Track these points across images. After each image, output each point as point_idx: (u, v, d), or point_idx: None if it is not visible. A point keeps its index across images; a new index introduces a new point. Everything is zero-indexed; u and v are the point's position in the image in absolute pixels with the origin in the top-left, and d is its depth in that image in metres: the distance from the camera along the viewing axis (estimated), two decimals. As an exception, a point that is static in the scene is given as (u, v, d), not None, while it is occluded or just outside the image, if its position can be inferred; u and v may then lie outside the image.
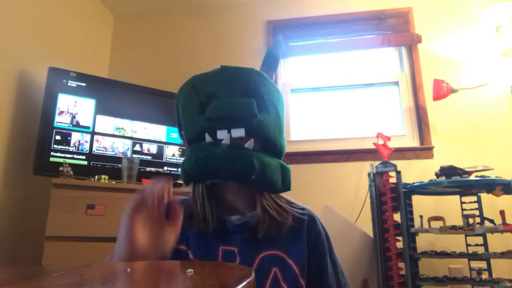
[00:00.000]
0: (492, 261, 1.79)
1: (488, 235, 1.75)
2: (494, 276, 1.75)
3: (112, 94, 1.99)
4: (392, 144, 1.93)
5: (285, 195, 0.73)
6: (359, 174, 2.18)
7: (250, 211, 0.69)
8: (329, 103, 2.48)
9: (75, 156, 1.81)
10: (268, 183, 0.64)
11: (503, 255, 1.54)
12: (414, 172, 2.08)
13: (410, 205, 1.78)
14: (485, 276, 1.77)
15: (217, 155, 0.61)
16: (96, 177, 1.74)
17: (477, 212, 1.75)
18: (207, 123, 0.64)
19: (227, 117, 0.62)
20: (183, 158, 0.70)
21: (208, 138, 0.64)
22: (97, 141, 1.89)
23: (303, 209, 0.73)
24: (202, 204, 0.68)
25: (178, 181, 1.90)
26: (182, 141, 0.72)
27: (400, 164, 1.81)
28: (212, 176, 0.65)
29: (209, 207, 0.67)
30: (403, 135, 2.31)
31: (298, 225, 0.70)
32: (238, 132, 0.62)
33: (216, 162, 0.62)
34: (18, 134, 1.81)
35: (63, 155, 1.77)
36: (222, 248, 0.67)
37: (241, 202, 0.70)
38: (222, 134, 0.63)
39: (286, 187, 0.67)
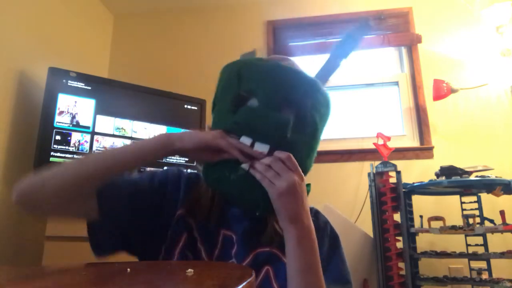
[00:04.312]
0: (492, 261, 1.79)
1: (488, 235, 1.74)
2: (494, 276, 1.75)
3: (112, 94, 1.99)
4: (392, 144, 1.93)
5: None
6: (359, 174, 2.18)
7: None
8: (329, 103, 2.47)
9: (75, 156, 1.81)
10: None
11: (503, 255, 1.54)
12: (414, 172, 2.08)
13: (410, 205, 1.78)
14: (485, 276, 1.77)
15: (229, 181, 0.60)
16: (96, 177, 1.74)
17: (477, 212, 1.75)
18: (234, 125, 0.62)
19: (255, 129, 0.60)
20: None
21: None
22: (97, 141, 1.89)
23: (310, 208, 0.73)
24: (212, 194, 0.67)
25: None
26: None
27: (400, 164, 1.81)
28: (222, 195, 0.66)
29: (217, 200, 0.67)
30: (403, 135, 2.31)
31: None
32: (262, 148, 0.59)
33: (226, 187, 0.61)
34: (18, 134, 1.81)
35: (63, 155, 1.77)
36: (223, 232, 0.67)
37: None
38: (245, 140, 0.60)
39: None
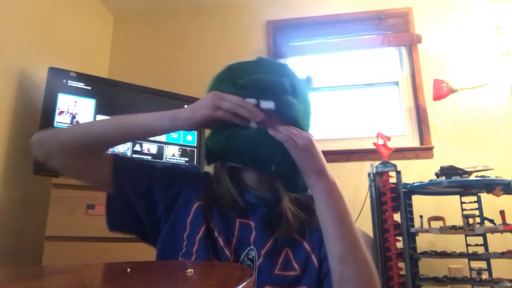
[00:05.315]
0: (492, 261, 1.79)
1: (488, 235, 1.74)
2: (494, 276, 1.75)
3: (112, 94, 1.99)
4: (392, 144, 1.93)
5: None
6: (359, 174, 2.18)
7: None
8: (329, 103, 2.48)
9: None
10: (288, 179, 0.65)
11: (503, 255, 1.54)
12: (414, 172, 2.08)
13: (410, 205, 1.78)
14: (485, 276, 1.77)
15: (242, 135, 0.62)
16: (96, 177, 1.74)
17: (477, 212, 1.75)
18: (238, 91, 0.64)
19: (259, 87, 0.63)
20: (208, 136, 0.71)
21: None
22: (97, 141, 1.89)
23: None
24: (226, 186, 0.68)
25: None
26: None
27: (400, 164, 1.81)
28: (233, 157, 0.66)
29: (236, 190, 0.68)
30: (403, 135, 2.31)
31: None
32: (267, 104, 0.62)
33: (240, 143, 0.63)
34: (18, 134, 1.81)
35: (63, 155, 1.77)
36: (239, 220, 0.68)
37: (262, 189, 0.70)
38: (250, 101, 0.62)
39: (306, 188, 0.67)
